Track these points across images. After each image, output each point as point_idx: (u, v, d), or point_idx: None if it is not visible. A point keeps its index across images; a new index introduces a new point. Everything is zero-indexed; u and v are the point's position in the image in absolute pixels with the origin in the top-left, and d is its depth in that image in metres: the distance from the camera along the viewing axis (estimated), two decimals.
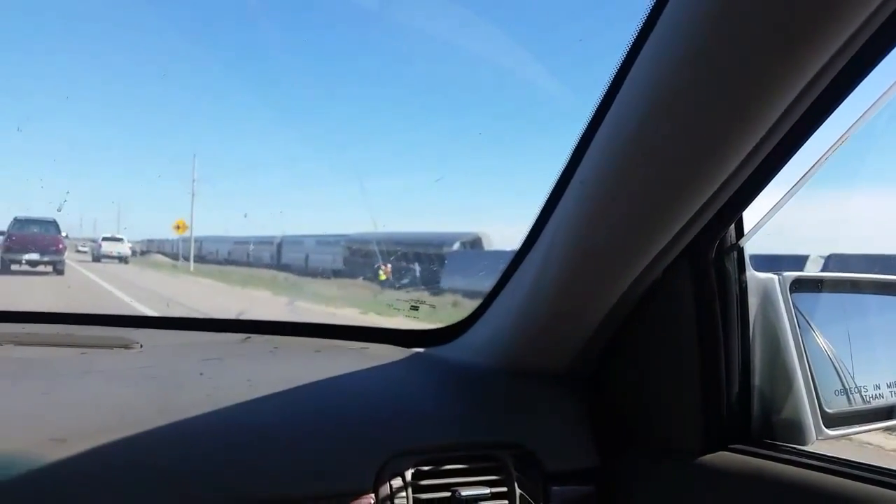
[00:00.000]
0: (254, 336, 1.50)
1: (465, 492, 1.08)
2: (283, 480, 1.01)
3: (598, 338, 1.21)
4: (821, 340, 1.21)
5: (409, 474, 1.07)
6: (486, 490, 1.10)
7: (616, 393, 1.26)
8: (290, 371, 1.28)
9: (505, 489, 1.12)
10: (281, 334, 1.55)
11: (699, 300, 1.12)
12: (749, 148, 0.88)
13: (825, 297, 1.22)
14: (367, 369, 1.32)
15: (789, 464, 1.07)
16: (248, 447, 1.03)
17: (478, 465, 1.13)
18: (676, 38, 0.82)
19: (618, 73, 0.94)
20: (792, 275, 1.16)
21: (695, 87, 0.82)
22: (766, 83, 0.78)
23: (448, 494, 1.08)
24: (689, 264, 1.11)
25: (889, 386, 1.20)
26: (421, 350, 1.47)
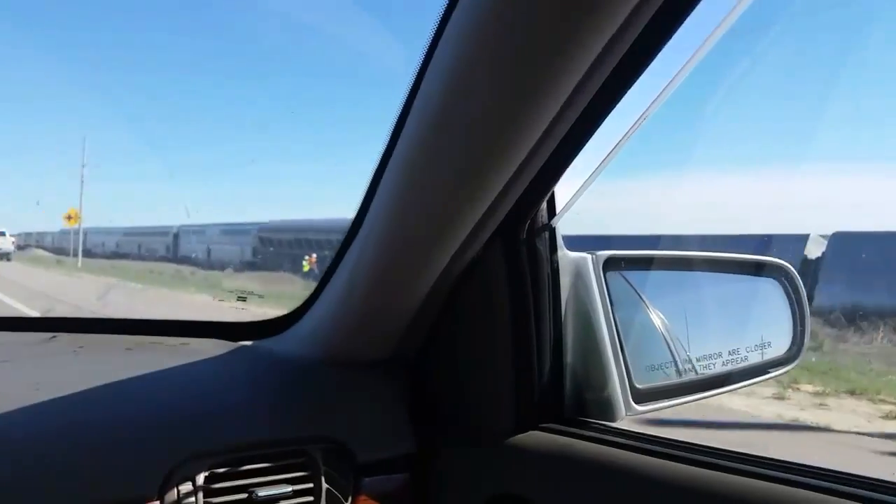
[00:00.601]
0: (61, 335, 1.41)
1: (263, 492, 1.04)
2: (57, 492, 0.94)
3: (419, 324, 1.19)
4: (637, 317, 1.23)
5: (201, 477, 1.02)
6: (288, 488, 1.06)
7: (435, 378, 1.25)
8: (92, 372, 1.20)
9: (311, 485, 1.09)
10: (92, 332, 1.45)
11: (512, 281, 1.12)
12: (544, 126, 0.88)
13: (641, 275, 1.24)
14: (182, 366, 1.26)
15: (595, 441, 1.08)
16: (20, 459, 0.95)
17: (284, 462, 1.09)
18: (470, 16, 0.80)
19: (426, 53, 0.93)
20: (605, 254, 1.17)
21: (488, 65, 0.80)
22: (555, 62, 0.78)
23: (245, 496, 1.03)
24: (503, 245, 1.10)
25: (699, 360, 1.24)
26: (248, 343, 1.41)
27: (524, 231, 1.12)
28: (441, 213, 1.00)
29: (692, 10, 0.78)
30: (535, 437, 1.12)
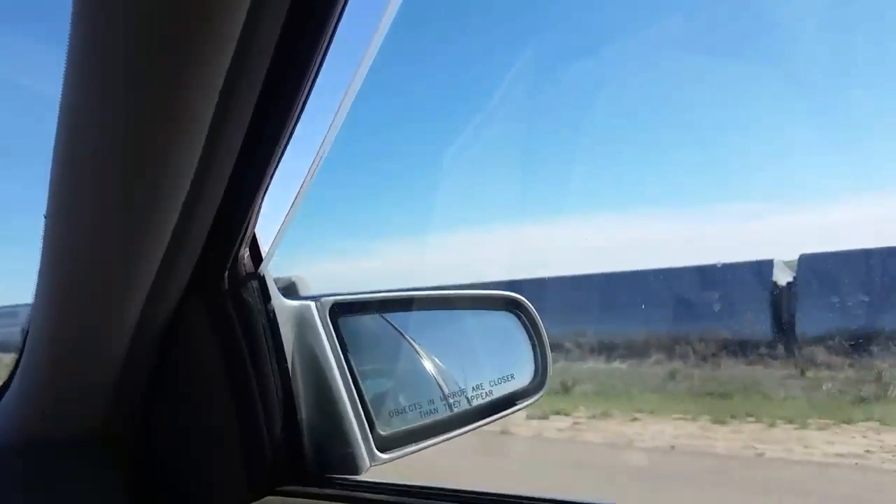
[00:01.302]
0: None
1: None
2: None
3: (127, 394, 1.08)
4: (375, 362, 1.22)
5: None
6: None
7: (158, 454, 1.14)
8: None
9: None
10: None
11: (221, 338, 1.05)
12: (196, 165, 0.81)
13: (376, 319, 1.23)
14: None
15: (336, 499, 1.03)
16: None
17: None
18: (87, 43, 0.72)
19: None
20: (331, 299, 1.15)
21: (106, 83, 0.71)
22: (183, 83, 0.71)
23: None
24: (202, 300, 1.04)
25: (444, 399, 1.24)
26: None
27: (225, 282, 1.06)
28: (111, 272, 0.90)
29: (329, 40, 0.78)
30: (270, 503, 1.05)
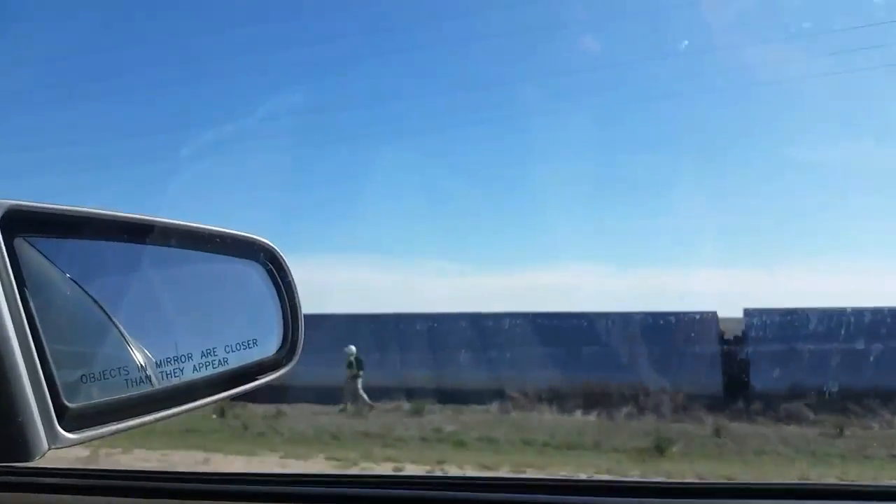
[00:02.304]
0: None
1: None
2: None
3: None
4: (67, 307, 0.89)
5: None
6: None
7: None
8: None
9: None
10: None
11: None
12: None
13: (70, 246, 0.90)
14: None
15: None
16: None
17: None
18: None
19: None
20: (7, 203, 0.80)
21: None
22: None
23: None
24: None
25: (162, 365, 0.94)
26: None
27: None
28: None
29: None
30: None
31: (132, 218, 0.93)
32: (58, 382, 0.81)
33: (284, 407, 14.38)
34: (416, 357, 15.95)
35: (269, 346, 1.12)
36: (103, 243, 0.92)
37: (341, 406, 15.43)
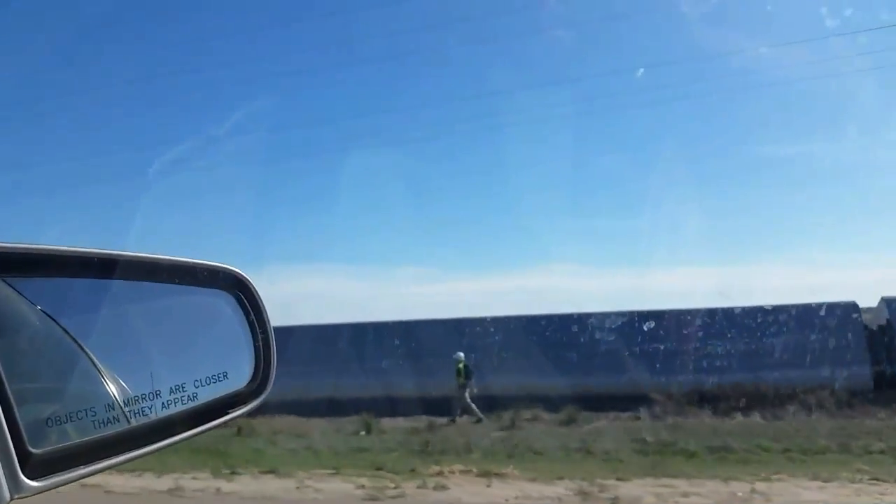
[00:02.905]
0: None
1: None
2: None
3: None
4: (32, 346, 0.86)
5: None
6: None
7: None
8: None
9: None
10: None
11: None
12: None
13: (38, 284, 0.87)
14: None
15: None
16: None
17: None
18: None
19: None
20: None
21: None
22: None
23: None
24: None
25: (130, 404, 0.92)
26: None
27: None
28: None
29: None
30: None
31: (100, 254, 0.90)
32: (21, 427, 0.78)
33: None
34: (531, 362, 14.81)
35: (240, 379, 1.09)
36: (71, 280, 0.89)
37: (451, 417, 13.78)
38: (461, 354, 14.56)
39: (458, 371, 14.36)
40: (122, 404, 0.91)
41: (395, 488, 7.94)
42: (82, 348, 0.89)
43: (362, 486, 8.10)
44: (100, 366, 0.91)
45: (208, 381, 1.02)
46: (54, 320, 0.87)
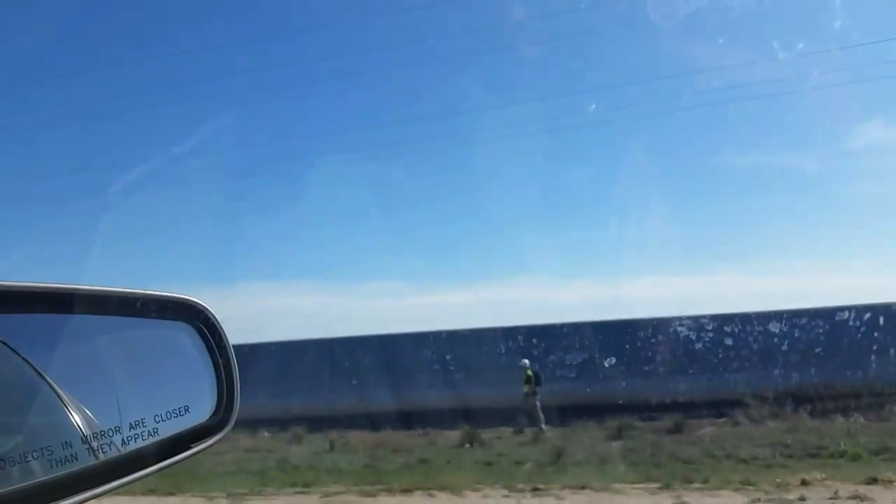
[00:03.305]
0: None
1: None
2: None
3: None
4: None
5: None
6: None
7: None
8: None
9: None
10: None
11: None
12: None
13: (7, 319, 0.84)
14: None
15: None
16: None
17: None
18: None
19: None
20: None
21: None
22: None
23: None
24: None
25: (84, 443, 0.89)
26: None
27: None
28: None
29: None
30: None
31: (55, 288, 0.88)
32: None
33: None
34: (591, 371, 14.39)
35: (202, 412, 1.07)
36: (26, 316, 0.87)
37: (536, 426, 13.00)
38: (527, 361, 13.92)
39: (528, 378, 13.63)
40: (79, 442, 0.88)
41: None
42: (38, 385, 0.87)
43: None
44: (56, 403, 0.88)
45: (169, 416, 1.00)
46: (2, 362, 0.84)
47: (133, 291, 1.00)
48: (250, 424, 12.91)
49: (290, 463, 10.82)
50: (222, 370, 1.09)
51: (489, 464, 10.24)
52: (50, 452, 0.84)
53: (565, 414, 13.16)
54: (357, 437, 12.97)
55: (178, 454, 1.01)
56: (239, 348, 1.11)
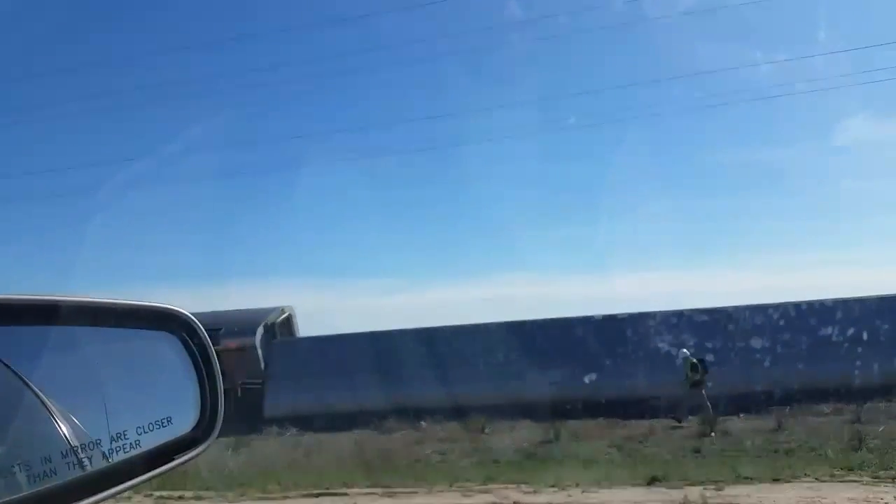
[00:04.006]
0: None
1: None
2: None
3: None
4: None
5: None
6: None
7: None
8: None
9: None
10: None
11: None
12: None
13: None
14: None
15: None
16: None
17: None
18: None
19: None
20: None
21: None
22: None
23: None
24: None
25: (65, 456, 0.88)
26: None
27: None
28: None
29: None
30: None
31: (35, 300, 0.87)
32: None
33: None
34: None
35: (184, 423, 1.06)
36: (10, 328, 0.86)
37: (678, 420, 12.27)
38: (686, 351, 13.16)
39: (693, 366, 12.73)
40: (60, 456, 0.87)
41: None
42: (17, 401, 0.85)
43: None
44: (36, 416, 0.87)
45: (151, 428, 0.99)
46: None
47: (116, 302, 0.99)
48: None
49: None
50: (206, 380, 1.08)
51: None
52: (28, 468, 0.83)
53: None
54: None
55: (160, 466, 1.00)
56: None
